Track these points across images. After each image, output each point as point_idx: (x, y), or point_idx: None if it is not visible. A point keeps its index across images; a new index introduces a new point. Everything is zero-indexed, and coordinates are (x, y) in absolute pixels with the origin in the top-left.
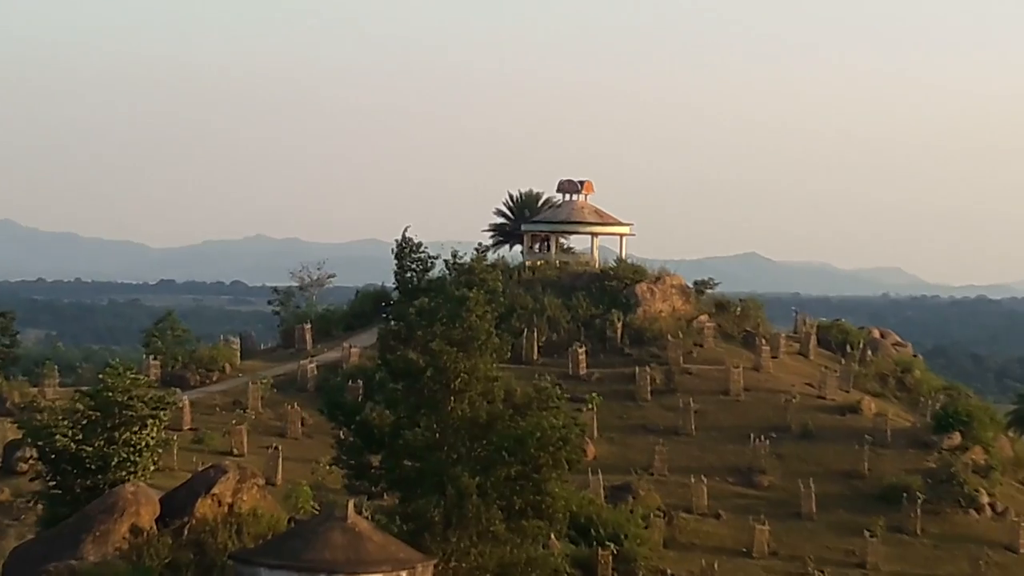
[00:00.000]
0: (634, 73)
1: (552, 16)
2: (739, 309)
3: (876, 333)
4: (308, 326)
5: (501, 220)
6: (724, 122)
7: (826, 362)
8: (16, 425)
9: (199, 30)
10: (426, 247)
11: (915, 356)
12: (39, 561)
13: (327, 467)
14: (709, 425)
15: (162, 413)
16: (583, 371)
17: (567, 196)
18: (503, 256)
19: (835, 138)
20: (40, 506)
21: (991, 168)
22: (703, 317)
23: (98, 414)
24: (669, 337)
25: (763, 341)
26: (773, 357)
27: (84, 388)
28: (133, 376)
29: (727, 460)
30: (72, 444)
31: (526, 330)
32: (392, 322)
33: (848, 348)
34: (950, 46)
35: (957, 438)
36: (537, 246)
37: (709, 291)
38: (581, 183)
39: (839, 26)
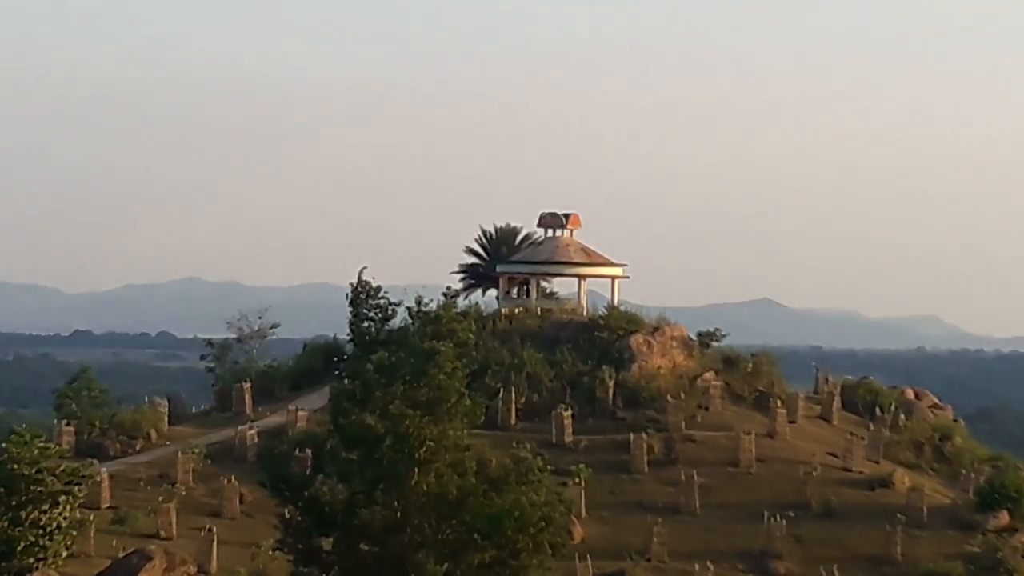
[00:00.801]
0: (629, 92)
1: (535, 28)
2: (750, 365)
3: (910, 393)
4: (248, 385)
5: (473, 260)
6: (733, 149)
7: (852, 427)
8: None
9: (118, 51)
10: (386, 292)
11: (955, 420)
12: None
13: (270, 552)
14: (716, 502)
15: (76, 489)
16: (569, 438)
17: (550, 232)
18: (476, 302)
19: (863, 170)
20: None
21: None
22: (709, 375)
23: (1, 490)
24: (669, 398)
25: (779, 403)
26: (791, 422)
27: None
28: (42, 445)
29: (737, 543)
30: None
31: (502, 390)
32: (346, 380)
33: (878, 411)
34: (991, 72)
35: (1005, 517)
36: (515, 290)
37: (716, 344)
38: (566, 216)
39: (866, 48)
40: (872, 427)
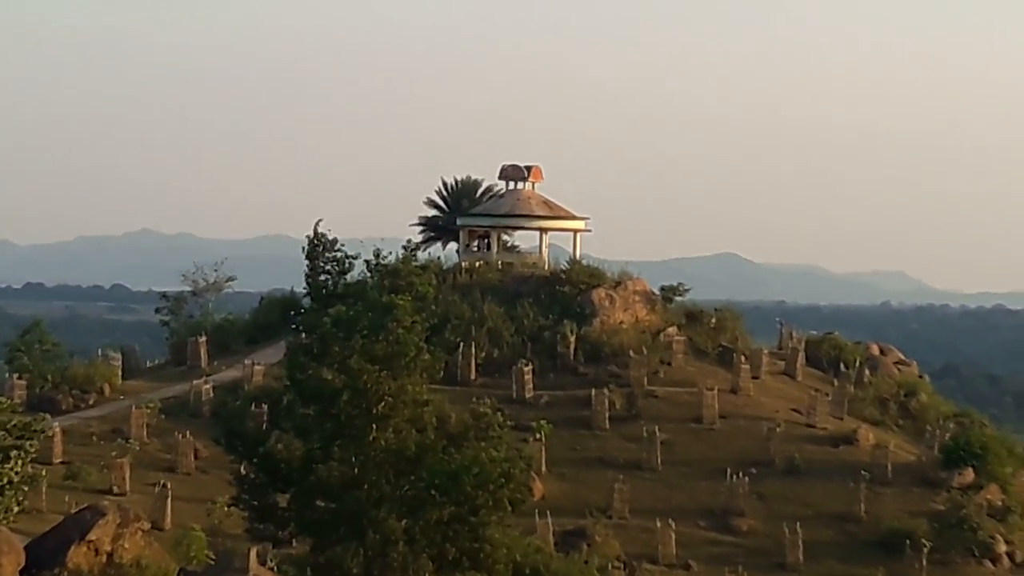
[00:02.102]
0: (592, 41)
1: None
2: (714, 320)
3: (875, 349)
4: (203, 339)
5: (433, 213)
6: (698, 101)
7: (816, 384)
8: None
9: None
10: (343, 245)
11: (921, 377)
12: None
13: (225, 508)
14: (678, 459)
15: (28, 443)
16: (529, 394)
17: (511, 184)
18: (436, 256)
19: (827, 121)
20: None
21: (1011, 159)
22: (671, 330)
23: None
24: (631, 353)
25: (742, 358)
26: (754, 378)
27: None
28: None
29: (699, 500)
30: None
31: (462, 344)
32: (303, 335)
33: (842, 367)
34: (967, 21)
35: (970, 475)
36: (475, 244)
37: (679, 298)
38: (528, 169)
39: None
40: (836, 383)
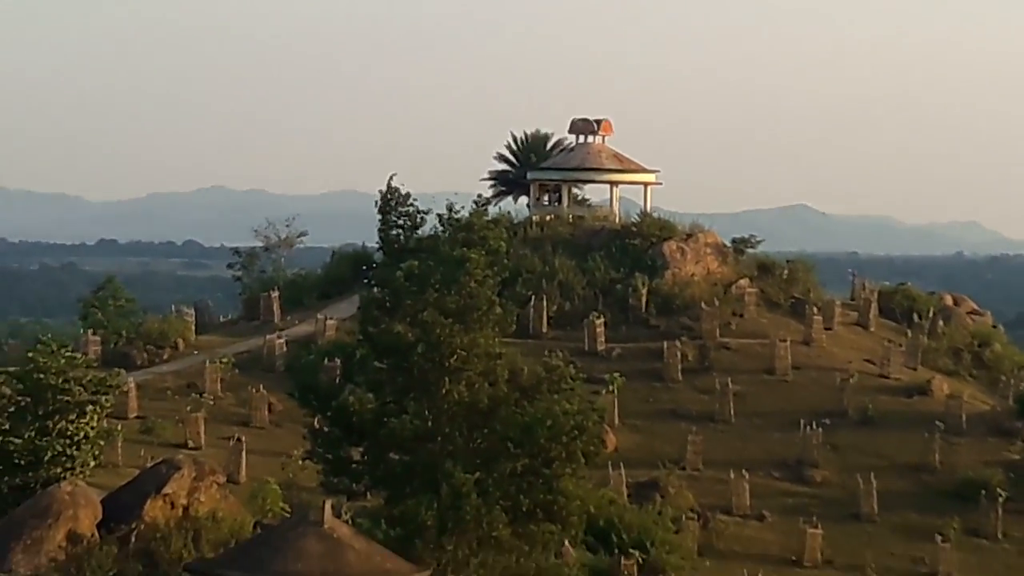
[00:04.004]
0: None
1: None
2: (786, 272)
3: (949, 300)
4: (275, 294)
5: (503, 167)
6: (768, 51)
7: (889, 334)
8: None
9: None
10: (415, 199)
11: (995, 327)
12: None
13: (299, 462)
14: (751, 410)
15: (104, 398)
16: (601, 347)
17: (581, 138)
18: (506, 210)
19: (899, 71)
20: None
21: None
22: (743, 282)
23: (28, 400)
24: (703, 305)
25: (815, 310)
26: (827, 329)
27: (11, 369)
28: (69, 355)
29: (772, 452)
30: None
31: (534, 298)
32: (375, 289)
33: (915, 317)
34: None
35: None
36: (546, 197)
37: (750, 251)
38: (598, 123)
39: None
40: (910, 334)
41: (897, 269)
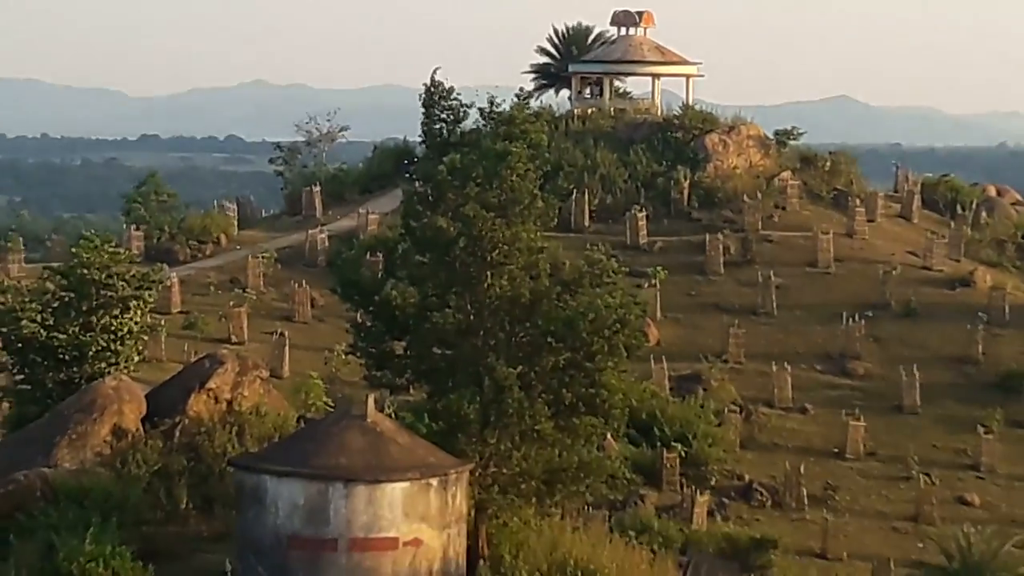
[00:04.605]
0: None
1: None
2: (828, 164)
3: (992, 190)
4: (317, 189)
5: (545, 60)
6: None
7: (932, 226)
8: None
9: None
10: (458, 93)
11: None
12: (5, 468)
13: (342, 356)
14: (793, 303)
15: (147, 294)
16: (643, 240)
17: (623, 30)
18: (548, 103)
19: None
20: (5, 404)
21: None
22: (786, 174)
23: (72, 295)
24: (745, 198)
25: (857, 202)
26: (869, 221)
27: (54, 265)
28: (112, 250)
29: (815, 344)
30: (42, 331)
31: (575, 191)
32: (417, 183)
33: (959, 209)
34: None
35: None
36: (587, 90)
37: (792, 142)
38: (639, 14)
39: None
40: (953, 225)
41: (940, 160)
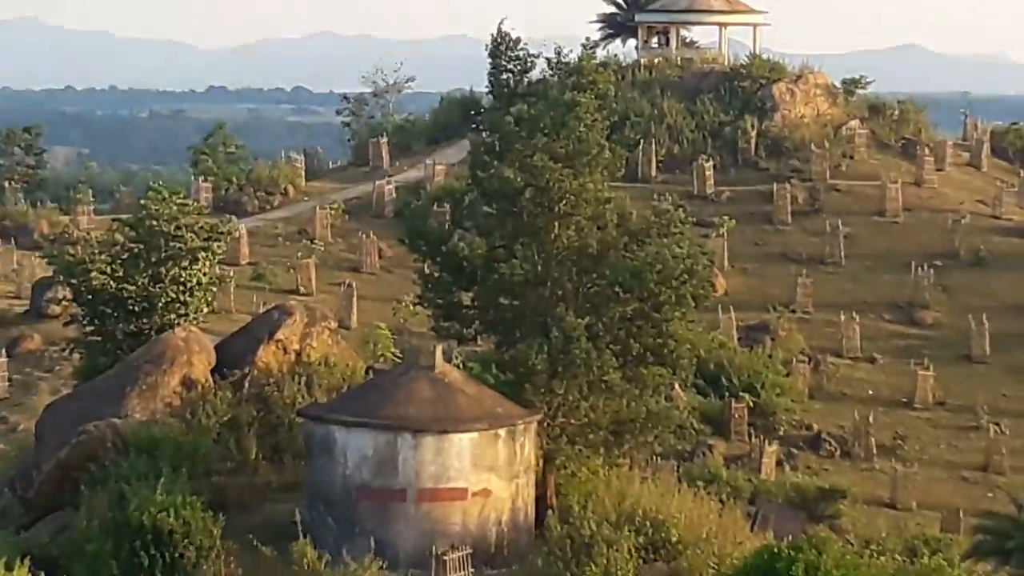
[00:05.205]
0: None
1: None
2: (897, 112)
3: None
4: (384, 140)
5: (611, 9)
6: None
7: (1002, 174)
8: (46, 260)
9: None
10: (525, 44)
11: None
12: (76, 419)
13: (409, 307)
14: (862, 252)
15: (215, 245)
16: (711, 190)
17: None
18: (615, 53)
19: None
20: (76, 355)
21: None
22: (854, 123)
23: (141, 247)
24: (813, 147)
25: (926, 150)
26: (938, 170)
27: (123, 216)
28: (180, 201)
29: (883, 294)
30: (111, 282)
31: (642, 142)
32: (485, 134)
33: None
34: None
35: None
36: (654, 40)
37: (861, 91)
38: None
39: None
40: (1022, 174)
41: (1009, 108)
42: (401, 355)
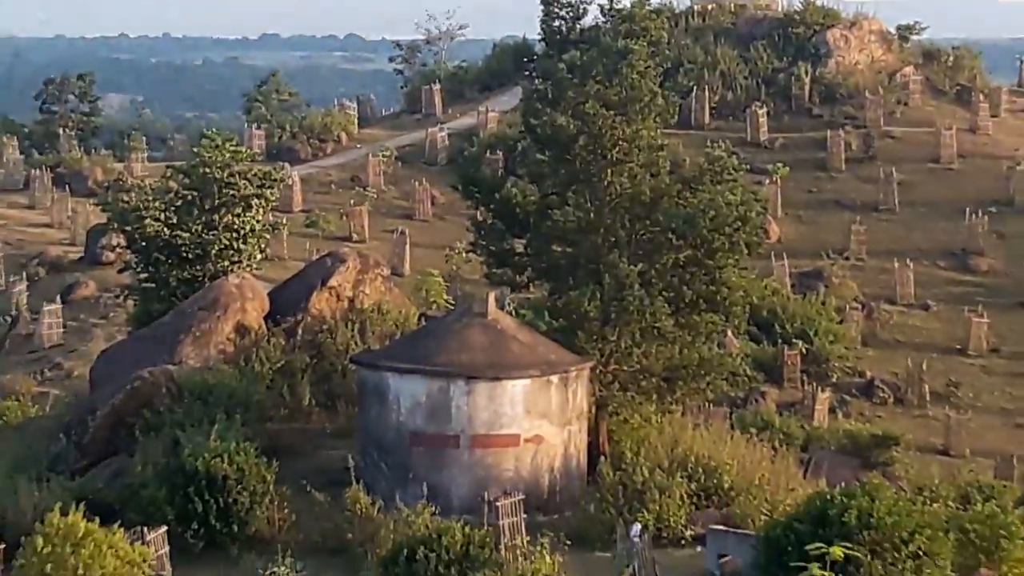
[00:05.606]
0: None
1: None
2: (951, 58)
3: None
4: (437, 87)
5: None
6: None
7: None
8: (100, 207)
9: None
10: None
11: None
12: (131, 365)
13: (463, 254)
14: (916, 199)
15: (269, 192)
16: (764, 137)
17: None
18: None
19: None
20: (130, 302)
21: None
22: (908, 69)
23: (195, 194)
24: (867, 94)
25: (981, 97)
26: (993, 116)
27: (177, 163)
28: (234, 148)
29: (937, 240)
30: (165, 229)
31: (696, 88)
32: (537, 81)
33: None
34: None
35: None
36: None
37: (915, 37)
38: None
39: None
40: None
41: None
42: (454, 302)
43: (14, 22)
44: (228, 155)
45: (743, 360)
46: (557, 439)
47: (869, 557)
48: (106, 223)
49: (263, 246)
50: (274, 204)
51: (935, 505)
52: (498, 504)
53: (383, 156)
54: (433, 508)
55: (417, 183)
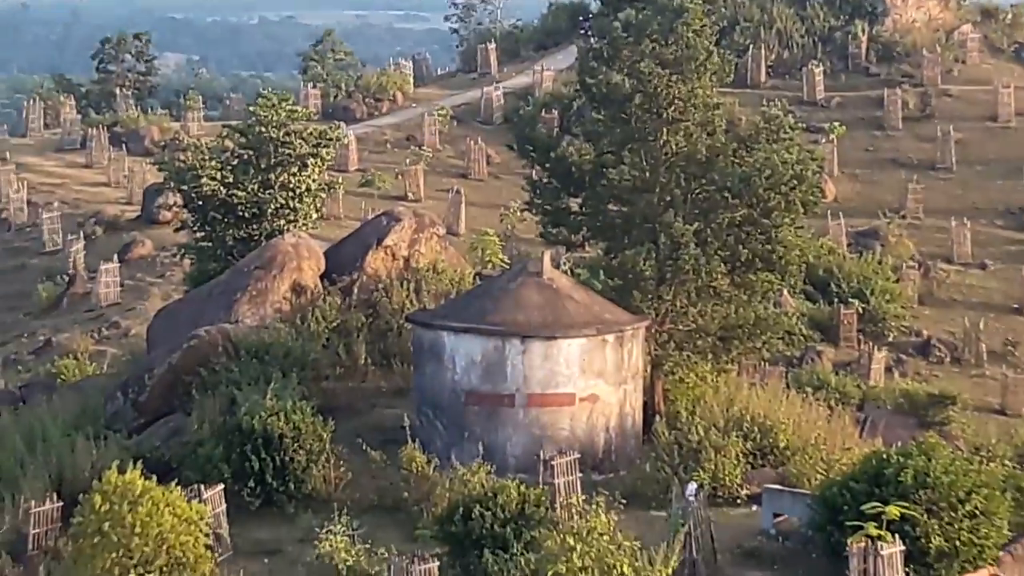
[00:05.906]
0: None
1: None
2: (1010, 16)
3: None
4: (492, 46)
5: None
6: None
7: None
8: (157, 167)
9: None
10: None
11: None
12: (187, 324)
13: (518, 213)
14: (973, 158)
15: (324, 151)
16: (820, 95)
17: None
18: None
19: None
20: (187, 261)
21: None
22: (966, 27)
23: (251, 153)
24: (925, 52)
25: None
26: None
27: (233, 123)
28: (290, 108)
29: (994, 199)
30: (221, 188)
31: (752, 47)
32: (593, 40)
33: None
34: None
35: None
36: None
37: None
38: None
39: None
40: None
41: None
42: (509, 261)
43: None
44: (284, 114)
45: (799, 319)
46: (612, 398)
47: (925, 516)
48: (163, 182)
49: (319, 205)
50: (330, 163)
51: (992, 464)
52: (553, 463)
53: (438, 115)
54: (488, 467)
55: (472, 142)
